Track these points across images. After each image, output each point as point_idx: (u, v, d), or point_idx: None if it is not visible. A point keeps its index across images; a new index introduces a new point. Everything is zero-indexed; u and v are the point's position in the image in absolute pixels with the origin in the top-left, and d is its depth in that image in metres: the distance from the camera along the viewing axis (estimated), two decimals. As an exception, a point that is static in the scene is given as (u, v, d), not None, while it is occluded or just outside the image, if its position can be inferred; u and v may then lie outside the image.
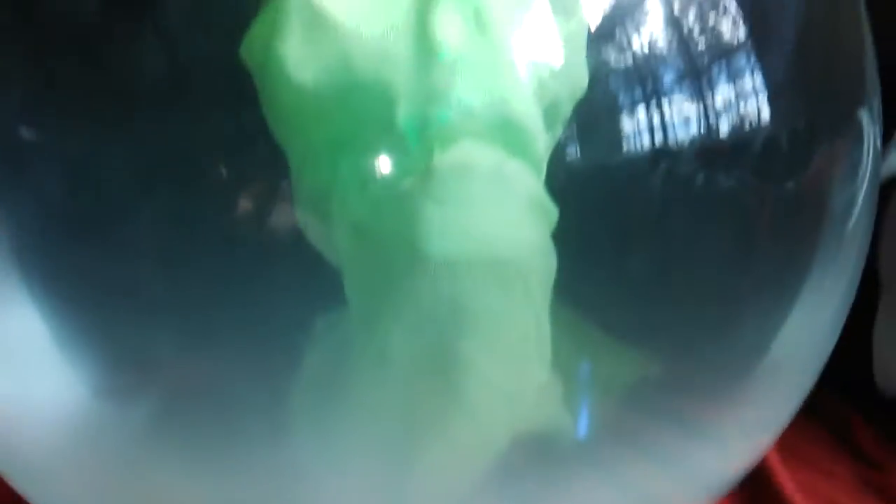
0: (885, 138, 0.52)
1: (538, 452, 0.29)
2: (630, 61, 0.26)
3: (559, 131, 0.25)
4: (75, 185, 0.26)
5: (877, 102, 0.33)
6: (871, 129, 0.32)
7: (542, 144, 0.25)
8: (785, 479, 0.43)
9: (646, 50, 0.26)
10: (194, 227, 0.26)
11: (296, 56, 0.24)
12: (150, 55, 0.25)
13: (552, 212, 0.25)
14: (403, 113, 0.24)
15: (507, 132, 0.25)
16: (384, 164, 0.25)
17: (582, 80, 0.25)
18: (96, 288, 0.27)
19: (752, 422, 0.32)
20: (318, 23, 0.24)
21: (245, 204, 0.25)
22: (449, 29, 0.24)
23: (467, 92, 0.24)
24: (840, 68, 0.32)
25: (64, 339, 0.28)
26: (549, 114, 0.25)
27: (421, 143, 0.24)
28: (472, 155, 0.24)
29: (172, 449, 0.28)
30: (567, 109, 0.25)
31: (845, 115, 0.31)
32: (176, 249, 0.26)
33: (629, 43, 0.26)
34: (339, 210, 0.25)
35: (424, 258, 0.24)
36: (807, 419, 0.35)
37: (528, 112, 0.25)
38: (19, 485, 0.31)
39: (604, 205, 0.26)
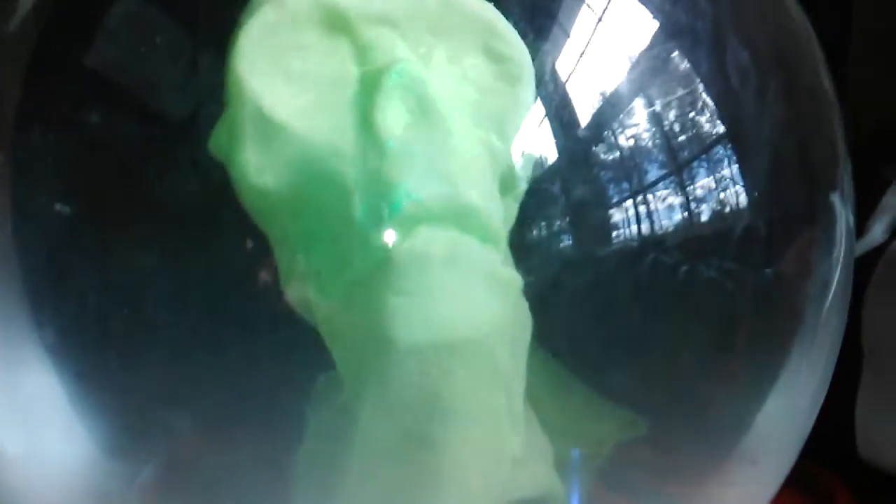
0: (869, 209, 0.53)
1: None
2: (613, 154, 0.28)
3: (520, 191, 0.27)
4: (110, 295, 0.28)
5: (848, 183, 0.34)
6: (843, 210, 0.34)
7: (498, 216, 0.27)
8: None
9: (628, 142, 0.28)
10: (212, 323, 0.28)
11: (255, 163, 0.26)
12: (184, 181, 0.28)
13: (514, 280, 0.27)
14: (359, 206, 0.25)
15: (459, 214, 0.26)
16: (348, 257, 0.26)
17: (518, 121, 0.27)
18: (116, 367, 0.29)
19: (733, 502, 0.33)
20: (271, 129, 0.26)
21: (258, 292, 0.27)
22: (392, 120, 0.26)
23: (415, 180, 0.25)
24: (813, 155, 0.33)
25: (79, 402, 0.29)
26: (505, 179, 0.27)
27: (378, 234, 0.25)
28: (426, 242, 0.26)
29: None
30: (525, 169, 0.27)
31: (819, 200, 0.33)
32: (193, 340, 0.28)
33: (613, 137, 0.28)
34: (316, 298, 0.26)
35: (390, 347, 0.26)
36: (788, 487, 0.36)
37: (480, 189, 0.26)
38: None
39: (588, 291, 0.28)
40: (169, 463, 0.30)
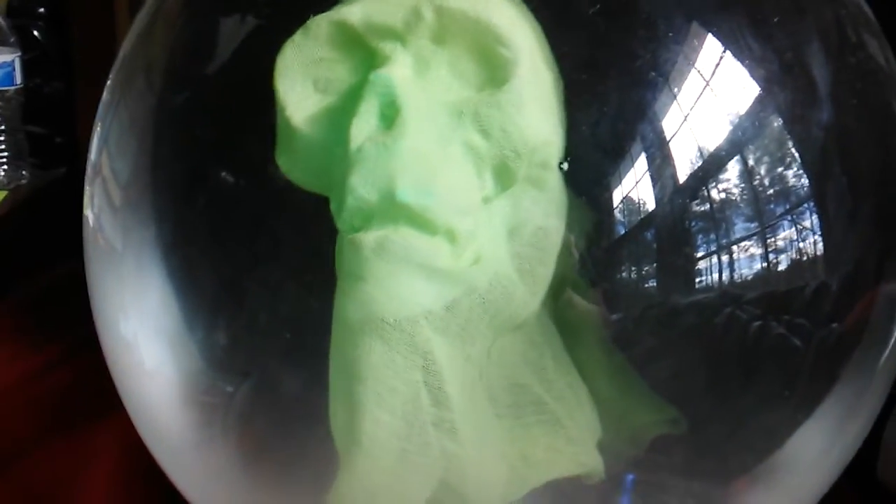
0: None
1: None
2: (704, 206, 0.30)
3: (546, 180, 0.30)
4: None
5: None
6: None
7: (451, 212, 0.29)
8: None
9: (715, 194, 0.30)
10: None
11: (285, 163, 0.31)
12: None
13: (457, 272, 0.29)
14: (332, 202, 0.30)
15: (391, 210, 0.29)
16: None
17: (534, 135, 0.29)
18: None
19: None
20: (291, 133, 0.31)
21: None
22: (360, 127, 0.29)
23: (361, 188, 0.29)
24: (891, 197, 0.34)
25: (194, 325, 0.34)
26: (500, 174, 0.29)
27: (343, 226, 0.29)
28: (362, 237, 0.29)
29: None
30: (517, 165, 0.29)
31: (892, 248, 0.34)
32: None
33: (705, 191, 0.30)
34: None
35: (336, 319, 0.30)
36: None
37: (421, 192, 0.29)
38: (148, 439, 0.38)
39: (670, 331, 0.30)
40: (260, 381, 0.34)
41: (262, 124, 0.31)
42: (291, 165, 0.31)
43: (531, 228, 0.30)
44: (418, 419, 0.30)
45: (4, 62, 0.89)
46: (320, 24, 0.30)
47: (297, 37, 0.30)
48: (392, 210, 0.29)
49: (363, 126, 0.29)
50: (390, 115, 0.29)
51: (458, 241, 0.29)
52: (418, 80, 0.30)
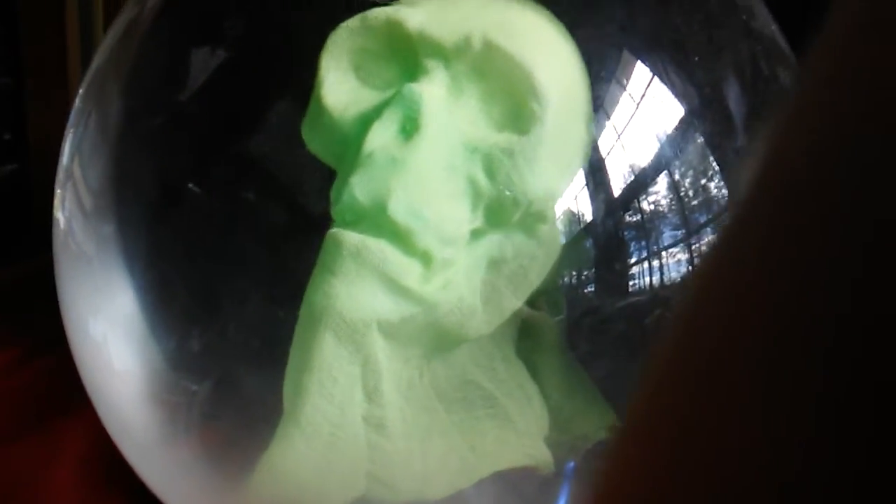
0: None
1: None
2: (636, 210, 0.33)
3: (542, 228, 0.32)
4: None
5: None
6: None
7: (433, 239, 0.31)
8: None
9: (646, 208, 0.33)
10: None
11: (307, 133, 0.33)
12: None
13: (404, 290, 0.31)
14: (335, 191, 0.32)
15: (380, 221, 0.31)
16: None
17: (537, 189, 0.31)
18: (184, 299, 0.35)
19: None
20: (320, 109, 0.32)
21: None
22: (379, 133, 0.31)
23: (359, 190, 0.31)
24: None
25: (155, 326, 0.36)
26: (492, 213, 0.31)
27: (336, 215, 0.31)
28: (344, 235, 0.31)
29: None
30: (513, 212, 0.31)
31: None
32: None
33: (636, 204, 0.33)
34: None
35: (306, 303, 0.32)
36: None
37: (412, 212, 0.31)
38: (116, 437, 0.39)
39: (611, 330, 0.33)
40: (220, 379, 0.36)
41: (231, 138, 0.33)
42: (312, 136, 0.33)
43: (513, 266, 0.32)
44: (351, 411, 0.32)
45: (-48, 57, 0.88)
46: (379, 17, 0.32)
47: (354, 22, 0.32)
48: (379, 220, 0.31)
49: (381, 132, 0.31)
50: (409, 130, 0.31)
51: (431, 267, 0.31)
52: (448, 103, 0.31)
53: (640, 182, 0.32)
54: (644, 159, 0.32)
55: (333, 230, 0.31)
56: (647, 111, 0.32)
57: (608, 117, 0.31)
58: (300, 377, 0.32)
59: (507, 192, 0.31)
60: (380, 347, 0.32)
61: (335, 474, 0.33)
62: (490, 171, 0.31)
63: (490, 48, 0.31)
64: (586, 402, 0.36)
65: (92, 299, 0.36)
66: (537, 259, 0.32)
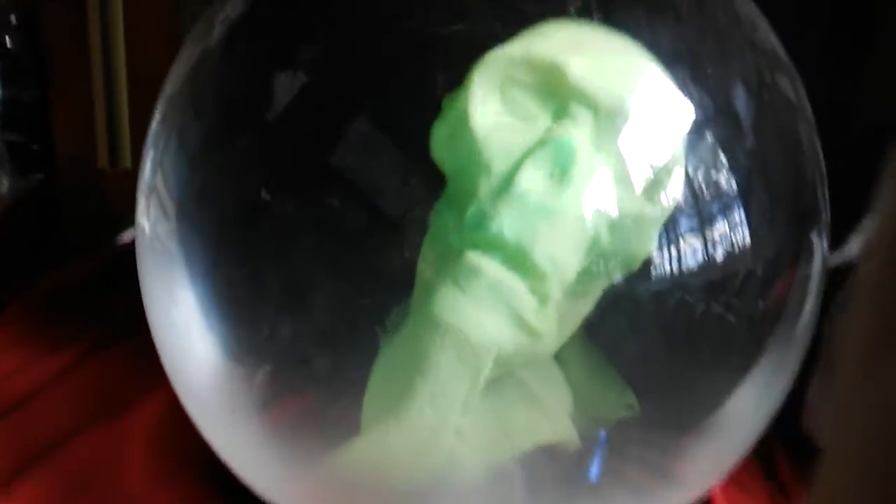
0: (850, 225, 0.61)
1: (550, 470, 0.40)
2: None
3: (602, 281, 0.35)
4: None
5: (825, 218, 0.43)
6: (819, 245, 0.43)
7: (557, 284, 0.34)
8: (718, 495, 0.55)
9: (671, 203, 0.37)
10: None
11: (438, 137, 0.35)
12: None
13: (532, 327, 0.35)
14: (471, 211, 0.34)
15: (521, 262, 0.34)
16: (449, 236, 0.35)
17: (641, 253, 0.35)
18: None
19: (709, 468, 0.44)
20: (461, 123, 0.35)
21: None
22: (530, 175, 0.34)
23: (513, 222, 0.34)
24: (801, 202, 0.43)
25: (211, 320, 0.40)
26: (597, 263, 0.35)
27: (469, 238, 0.34)
28: (488, 264, 0.34)
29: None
30: (615, 267, 0.35)
31: (803, 240, 0.42)
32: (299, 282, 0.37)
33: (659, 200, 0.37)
34: (423, 246, 0.35)
35: (426, 312, 0.35)
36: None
37: (551, 259, 0.34)
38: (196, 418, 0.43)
39: (632, 314, 0.37)
40: (275, 369, 0.40)
41: (297, 152, 0.37)
42: (443, 144, 0.35)
43: (589, 300, 0.36)
44: (449, 421, 0.36)
45: (-16, 74, 0.92)
46: (545, 58, 0.34)
47: (517, 51, 0.34)
48: (518, 258, 0.34)
49: (533, 174, 0.33)
50: (557, 176, 0.34)
51: (546, 305, 0.35)
52: (591, 155, 0.34)
53: (659, 179, 0.36)
54: (663, 158, 0.36)
55: (473, 254, 0.34)
56: (667, 116, 0.36)
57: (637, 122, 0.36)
58: (411, 379, 0.35)
59: (623, 252, 0.35)
60: (487, 370, 0.35)
61: (417, 469, 0.37)
62: (614, 231, 0.34)
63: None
64: (606, 383, 0.40)
65: (175, 292, 0.40)
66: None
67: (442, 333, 0.35)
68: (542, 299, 0.35)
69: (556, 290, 0.35)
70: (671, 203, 0.35)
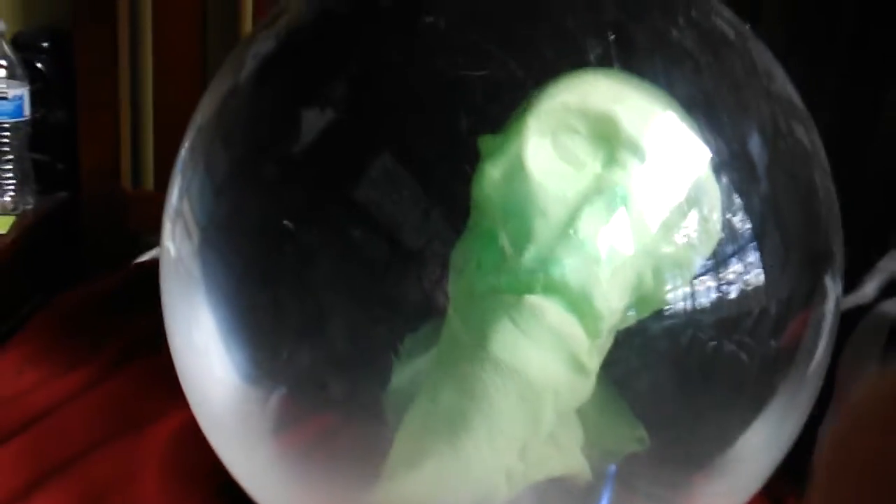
0: (864, 267, 0.62)
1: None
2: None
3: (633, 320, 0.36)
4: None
5: (839, 260, 0.44)
6: (833, 287, 0.44)
7: (607, 325, 0.36)
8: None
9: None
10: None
11: (494, 177, 0.36)
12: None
13: (585, 367, 0.36)
14: (529, 255, 0.35)
15: (582, 307, 0.36)
16: (504, 275, 0.36)
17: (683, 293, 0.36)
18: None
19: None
20: (517, 166, 0.36)
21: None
22: (589, 221, 0.35)
23: (570, 269, 0.35)
24: (815, 245, 0.43)
25: (228, 345, 0.40)
26: (638, 305, 0.36)
27: (528, 279, 0.35)
28: (550, 308, 0.35)
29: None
30: (655, 305, 0.36)
31: (816, 282, 0.43)
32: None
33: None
34: (466, 279, 0.36)
35: (486, 352, 0.36)
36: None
37: (609, 301, 0.35)
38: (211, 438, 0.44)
39: (645, 351, 0.38)
40: (291, 392, 0.40)
41: (318, 184, 0.39)
42: (491, 185, 0.36)
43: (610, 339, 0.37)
44: (504, 460, 0.37)
45: (15, 95, 0.94)
46: (598, 107, 0.36)
47: (572, 99, 0.36)
48: (579, 303, 0.35)
49: (592, 221, 0.35)
50: (611, 224, 0.35)
51: (595, 344, 0.36)
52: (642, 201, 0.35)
53: (675, 220, 0.37)
54: (680, 200, 0.37)
55: (535, 298, 0.35)
56: (685, 160, 0.37)
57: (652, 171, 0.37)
58: (468, 413, 0.36)
59: (664, 295, 0.36)
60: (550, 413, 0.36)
61: (464, 498, 0.38)
62: (658, 276, 0.36)
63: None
64: (618, 418, 0.41)
65: (196, 314, 0.41)
66: None
67: (503, 375, 0.36)
68: (594, 337, 0.36)
69: (605, 332, 0.36)
70: (708, 247, 0.37)
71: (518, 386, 0.36)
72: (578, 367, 0.36)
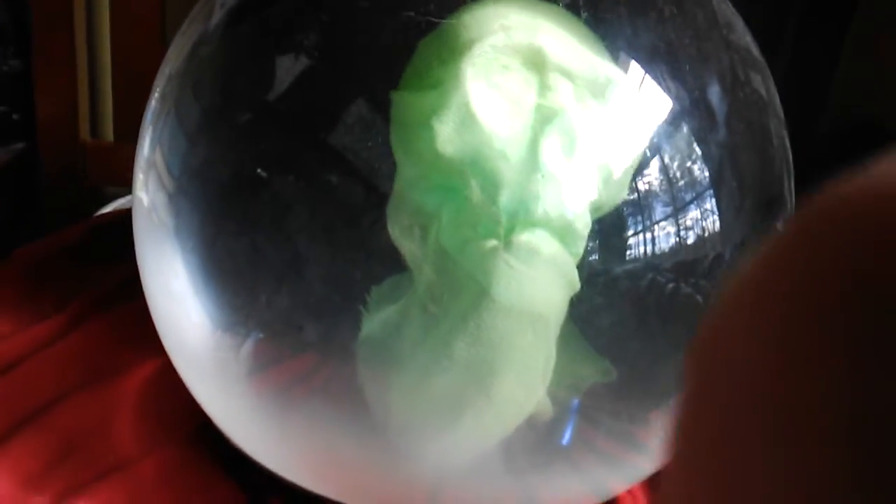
0: None
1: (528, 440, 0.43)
2: (636, 198, 0.39)
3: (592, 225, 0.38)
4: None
5: (791, 206, 0.46)
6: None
7: (584, 241, 0.38)
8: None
9: (645, 189, 0.40)
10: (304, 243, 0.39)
11: (445, 134, 0.36)
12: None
13: (576, 284, 0.38)
14: (504, 198, 0.36)
15: (566, 232, 0.37)
16: (474, 222, 0.37)
17: (622, 194, 0.38)
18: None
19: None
20: (469, 118, 0.37)
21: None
22: (550, 154, 0.36)
23: (549, 202, 0.36)
24: (769, 192, 0.45)
25: (202, 292, 0.42)
26: (597, 206, 0.38)
27: (509, 221, 0.37)
28: (540, 242, 0.37)
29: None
30: (606, 210, 0.38)
31: (769, 227, 0.45)
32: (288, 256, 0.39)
33: (635, 185, 0.39)
34: (434, 236, 0.37)
35: (492, 300, 0.37)
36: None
37: (583, 220, 0.37)
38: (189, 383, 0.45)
39: (610, 292, 0.40)
40: (263, 339, 0.41)
41: (289, 131, 0.39)
42: (448, 138, 0.36)
43: None
44: (536, 393, 0.39)
45: (-33, 42, 0.91)
46: (521, 42, 0.37)
47: (499, 39, 0.36)
48: (564, 230, 0.36)
49: (550, 150, 0.36)
50: (566, 146, 0.36)
51: (579, 255, 0.38)
52: (579, 116, 0.37)
53: (638, 166, 0.38)
54: (642, 148, 0.39)
55: (526, 236, 0.36)
56: (647, 108, 0.38)
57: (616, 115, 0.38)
58: (494, 362, 0.38)
59: (610, 202, 0.38)
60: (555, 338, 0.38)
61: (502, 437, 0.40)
62: (607, 185, 0.38)
63: (609, 81, 0.38)
64: (576, 352, 0.43)
65: (172, 263, 0.42)
66: None
67: (515, 317, 0.37)
68: (576, 258, 0.38)
69: (583, 237, 0.38)
70: (645, 154, 0.38)
71: (531, 323, 0.38)
72: (572, 285, 0.38)
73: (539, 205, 0.36)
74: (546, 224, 0.37)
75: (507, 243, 0.37)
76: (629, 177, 0.38)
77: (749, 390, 0.15)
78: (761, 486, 0.14)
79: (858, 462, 0.13)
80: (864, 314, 0.14)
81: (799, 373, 0.14)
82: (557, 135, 0.36)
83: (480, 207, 0.36)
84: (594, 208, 0.38)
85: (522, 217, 0.36)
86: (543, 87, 0.37)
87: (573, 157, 0.37)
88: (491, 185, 0.36)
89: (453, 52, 0.37)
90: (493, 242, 0.37)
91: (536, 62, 0.37)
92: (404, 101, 0.37)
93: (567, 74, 0.37)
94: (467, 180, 0.36)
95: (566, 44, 0.37)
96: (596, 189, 0.37)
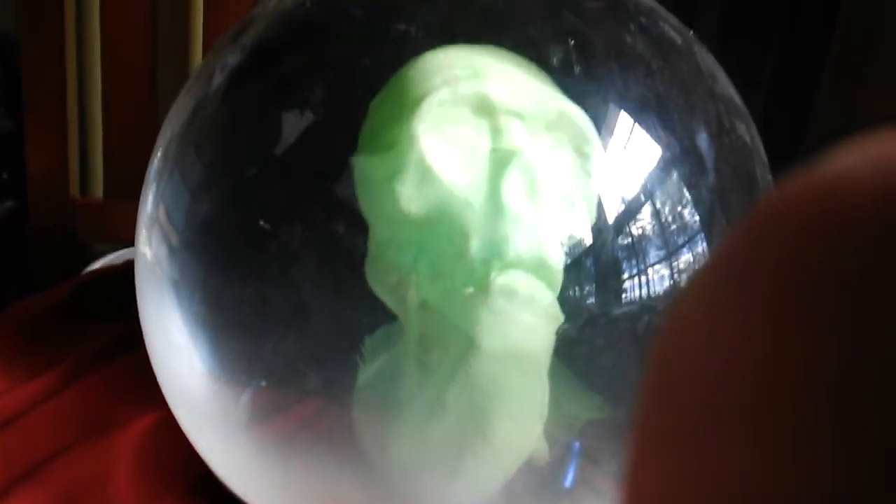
0: None
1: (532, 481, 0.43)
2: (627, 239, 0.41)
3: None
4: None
5: None
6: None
7: (561, 276, 0.38)
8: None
9: (637, 232, 0.41)
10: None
11: (407, 193, 0.37)
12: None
13: (560, 318, 0.39)
14: (474, 245, 0.37)
15: (541, 269, 0.38)
16: (450, 271, 0.38)
17: (590, 221, 0.39)
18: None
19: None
20: (427, 175, 0.37)
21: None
22: (513, 194, 0.37)
23: (519, 241, 0.37)
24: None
25: (200, 346, 0.42)
26: (571, 245, 0.38)
27: (483, 267, 0.37)
28: (517, 283, 0.38)
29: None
30: (576, 239, 0.39)
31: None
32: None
33: (628, 230, 0.41)
34: (414, 289, 0.38)
35: (478, 347, 0.38)
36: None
37: (556, 254, 0.38)
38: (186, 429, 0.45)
39: (603, 331, 0.41)
40: (265, 388, 0.42)
41: (289, 188, 0.40)
42: (405, 199, 0.37)
43: None
44: (534, 432, 0.40)
45: (-41, 103, 0.92)
46: (467, 92, 0.38)
47: (444, 93, 0.37)
48: (539, 266, 0.37)
49: (513, 192, 0.37)
50: (528, 185, 0.37)
51: (557, 290, 0.38)
52: (540, 155, 0.38)
53: (631, 211, 0.40)
54: (634, 193, 0.40)
55: (503, 278, 0.37)
56: (639, 156, 0.40)
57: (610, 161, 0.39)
58: (488, 408, 0.38)
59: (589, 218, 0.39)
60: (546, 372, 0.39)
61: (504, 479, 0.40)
62: (570, 201, 0.38)
63: (561, 113, 0.39)
64: (567, 391, 0.43)
65: (174, 315, 0.42)
66: None
67: (505, 362, 0.38)
68: (555, 290, 0.39)
69: (559, 275, 0.38)
70: (606, 178, 0.39)
71: (520, 363, 0.38)
72: (554, 318, 0.39)
73: (510, 246, 0.37)
74: (519, 264, 0.37)
75: (485, 288, 0.37)
76: (594, 202, 0.39)
77: (711, 383, 0.16)
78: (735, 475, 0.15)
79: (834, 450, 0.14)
80: (821, 300, 0.14)
81: (756, 361, 0.15)
82: (517, 174, 0.37)
83: (453, 258, 0.37)
84: (565, 240, 0.39)
85: (496, 261, 0.37)
86: (495, 131, 0.38)
87: (536, 194, 0.38)
88: (460, 235, 0.37)
89: (403, 109, 0.38)
90: (470, 290, 0.37)
91: (484, 108, 0.38)
92: (364, 164, 0.38)
93: (516, 115, 0.38)
94: (436, 234, 0.37)
95: (511, 85, 0.38)
96: (563, 220, 0.38)
